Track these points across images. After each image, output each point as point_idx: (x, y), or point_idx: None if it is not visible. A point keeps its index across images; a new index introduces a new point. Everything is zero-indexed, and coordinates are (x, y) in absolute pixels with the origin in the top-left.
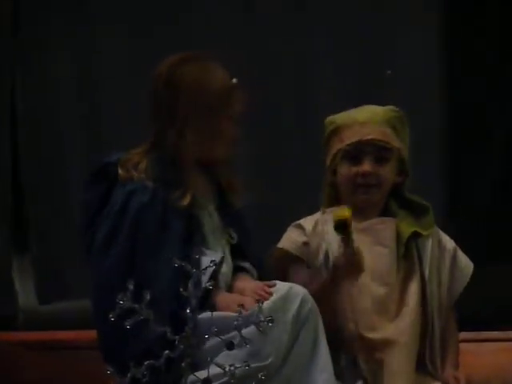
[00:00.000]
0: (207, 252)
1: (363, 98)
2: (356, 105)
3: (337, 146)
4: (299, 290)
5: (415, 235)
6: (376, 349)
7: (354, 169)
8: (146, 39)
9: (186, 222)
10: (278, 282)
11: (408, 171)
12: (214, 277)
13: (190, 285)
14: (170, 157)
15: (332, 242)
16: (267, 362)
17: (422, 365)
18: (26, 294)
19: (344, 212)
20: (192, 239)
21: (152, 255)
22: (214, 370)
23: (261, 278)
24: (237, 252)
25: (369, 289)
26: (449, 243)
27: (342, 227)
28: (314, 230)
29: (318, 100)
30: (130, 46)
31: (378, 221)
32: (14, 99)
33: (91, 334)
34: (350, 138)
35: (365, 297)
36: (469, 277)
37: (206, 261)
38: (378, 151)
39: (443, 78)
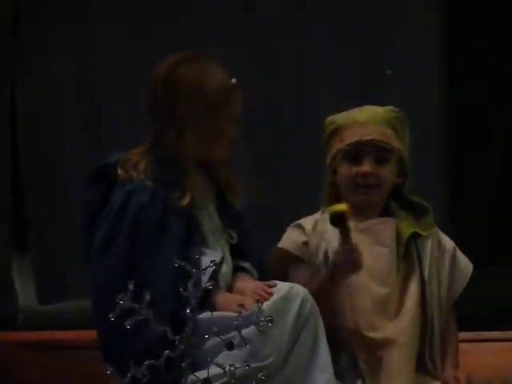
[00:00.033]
0: (207, 252)
1: (363, 98)
2: (356, 105)
3: (337, 146)
4: (300, 290)
5: (415, 236)
6: (376, 348)
7: (354, 169)
8: (146, 39)
9: (185, 222)
10: (278, 282)
11: (408, 172)
12: (214, 277)
13: (189, 285)
14: (169, 157)
15: (331, 241)
16: (267, 362)
17: (421, 364)
18: (26, 294)
19: (341, 206)
20: (191, 239)
21: (151, 255)
22: (213, 370)
23: (261, 278)
24: (237, 252)
25: (369, 288)
26: (448, 244)
27: (338, 220)
28: (314, 230)
29: (317, 100)
30: (130, 46)
31: (378, 221)
32: (14, 99)
33: (91, 334)
34: (350, 138)
35: (365, 296)
36: (468, 277)
37: (205, 261)
38: (378, 152)
39: (443, 78)
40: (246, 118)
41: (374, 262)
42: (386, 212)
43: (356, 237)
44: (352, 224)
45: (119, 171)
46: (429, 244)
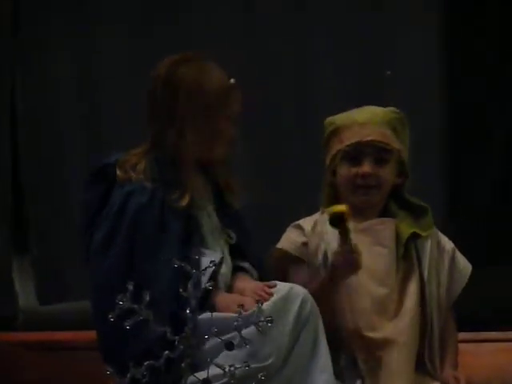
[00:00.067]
0: (206, 252)
1: (363, 98)
2: (356, 105)
3: (336, 146)
4: (299, 291)
5: (414, 236)
6: (375, 348)
7: (354, 170)
8: (146, 39)
9: (184, 222)
10: (278, 282)
11: (408, 173)
12: (214, 277)
13: (189, 285)
14: (169, 157)
15: (331, 242)
16: (267, 363)
17: (421, 365)
18: (26, 294)
19: (340, 207)
20: (191, 240)
21: (151, 256)
22: (213, 370)
23: (261, 279)
24: (236, 252)
25: (368, 289)
26: (447, 244)
27: (337, 221)
28: (313, 231)
29: (317, 100)
30: (129, 46)
31: (378, 221)
32: (14, 99)
33: (90, 334)
34: (349, 138)
35: (364, 297)
36: (467, 278)
37: (205, 261)
38: (378, 152)
39: (443, 78)
40: (245, 117)
41: (373, 262)
42: (385, 212)
43: (355, 237)
44: (351, 224)
45: (118, 172)
46: (428, 244)
